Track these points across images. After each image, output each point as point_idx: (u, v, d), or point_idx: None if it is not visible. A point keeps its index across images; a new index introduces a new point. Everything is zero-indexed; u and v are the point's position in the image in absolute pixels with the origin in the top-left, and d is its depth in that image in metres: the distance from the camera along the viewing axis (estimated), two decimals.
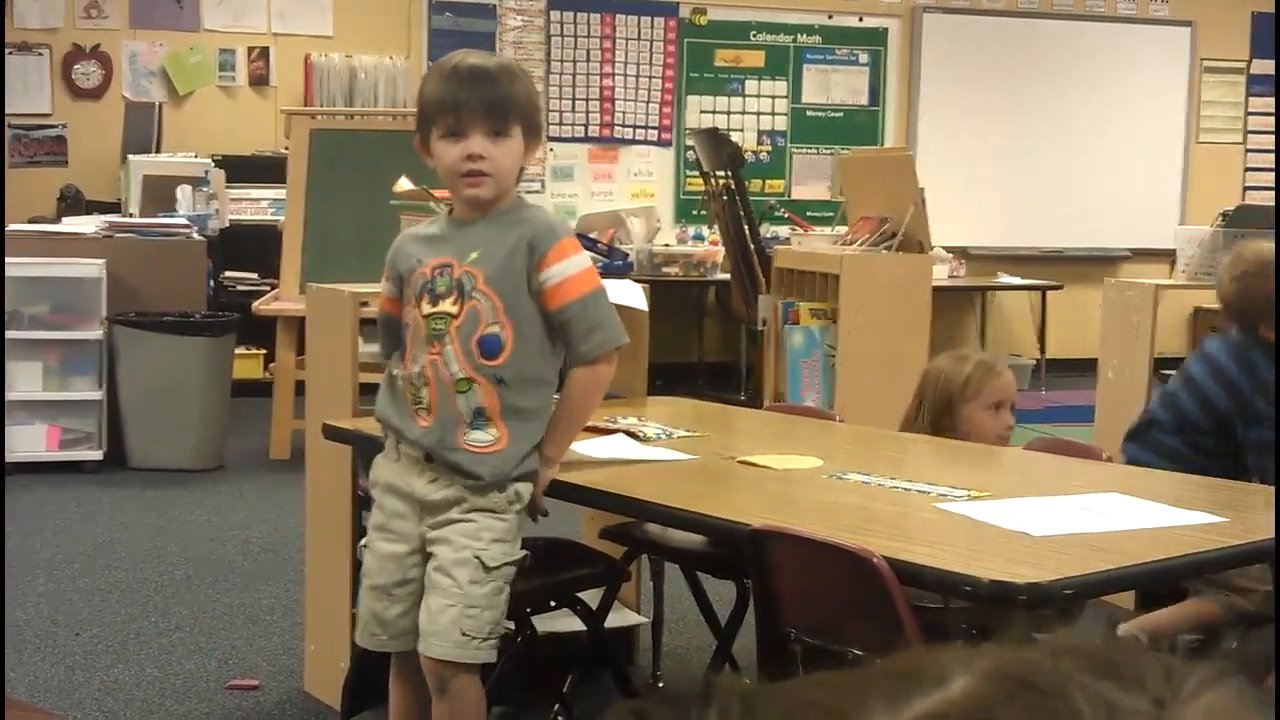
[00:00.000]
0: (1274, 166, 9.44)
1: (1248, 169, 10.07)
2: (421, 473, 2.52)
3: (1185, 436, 3.40)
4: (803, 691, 0.56)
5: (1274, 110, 9.77)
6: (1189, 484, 3.00)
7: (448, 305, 2.49)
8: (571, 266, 2.49)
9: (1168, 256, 8.16)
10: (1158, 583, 3.29)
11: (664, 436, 2.96)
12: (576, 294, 2.48)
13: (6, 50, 7.75)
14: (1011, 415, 3.15)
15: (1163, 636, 3.56)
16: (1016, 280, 9.24)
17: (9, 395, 5.72)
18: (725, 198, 7.29)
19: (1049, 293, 9.19)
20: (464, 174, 2.48)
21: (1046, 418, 7.57)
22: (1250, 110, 10.05)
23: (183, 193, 7.08)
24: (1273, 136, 10.00)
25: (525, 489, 2.53)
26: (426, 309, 2.50)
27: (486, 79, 2.49)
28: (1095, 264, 9.58)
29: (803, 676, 0.58)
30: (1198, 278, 4.36)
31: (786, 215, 8.46)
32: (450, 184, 2.55)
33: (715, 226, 7.99)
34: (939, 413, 3.12)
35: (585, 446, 2.76)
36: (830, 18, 9.30)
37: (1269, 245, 3.46)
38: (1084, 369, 6.94)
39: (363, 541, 2.64)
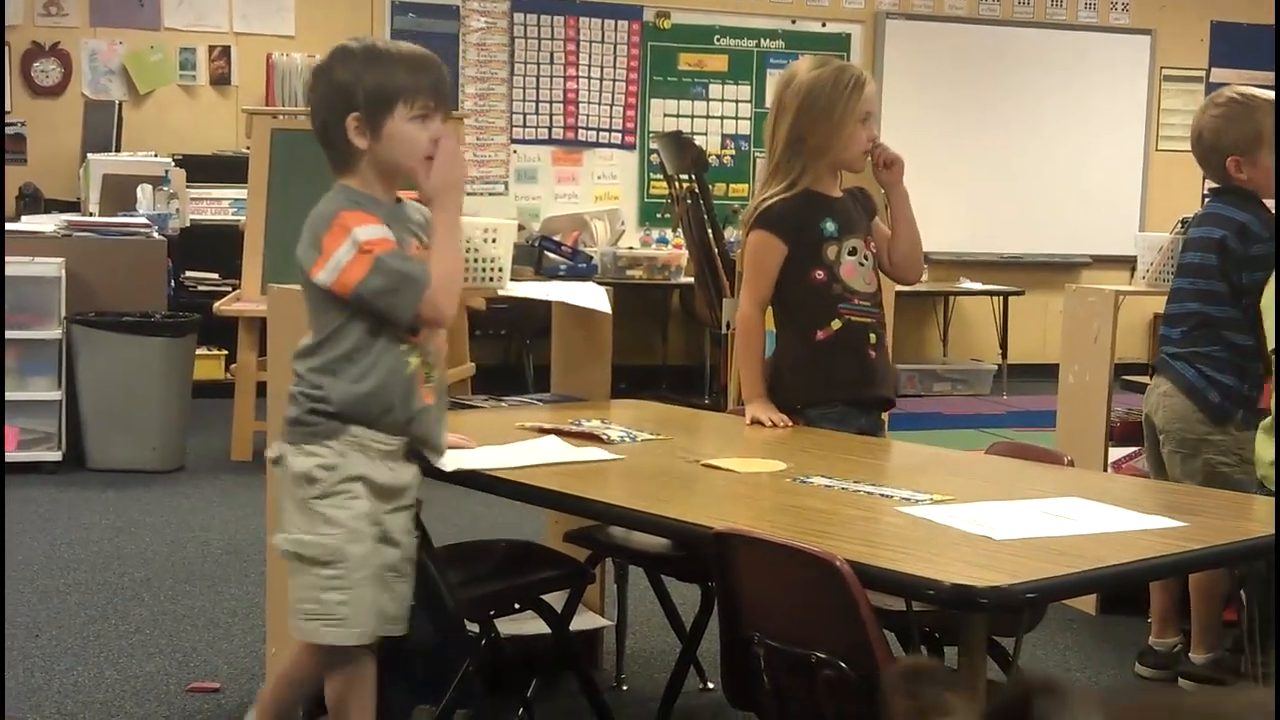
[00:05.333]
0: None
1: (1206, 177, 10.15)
2: (406, 459, 2.54)
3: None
4: None
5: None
6: (1147, 488, 3.04)
7: None
8: None
9: (1128, 263, 8.22)
10: (1119, 586, 3.33)
11: (628, 439, 2.96)
12: None
13: None
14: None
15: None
16: (978, 286, 9.30)
17: None
18: (689, 201, 7.29)
19: (1011, 298, 9.25)
20: (429, 157, 2.51)
21: (1008, 422, 7.62)
22: None
23: (143, 192, 7.03)
24: None
25: None
26: None
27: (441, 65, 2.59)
28: (1056, 270, 9.65)
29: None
30: (1158, 284, 4.39)
31: None
32: (412, 168, 2.54)
33: (679, 230, 8.00)
34: (810, 130, 3.33)
35: (514, 450, 2.76)
36: (793, 23, 9.33)
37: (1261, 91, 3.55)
38: (1045, 374, 6.99)
39: (339, 536, 2.48)
